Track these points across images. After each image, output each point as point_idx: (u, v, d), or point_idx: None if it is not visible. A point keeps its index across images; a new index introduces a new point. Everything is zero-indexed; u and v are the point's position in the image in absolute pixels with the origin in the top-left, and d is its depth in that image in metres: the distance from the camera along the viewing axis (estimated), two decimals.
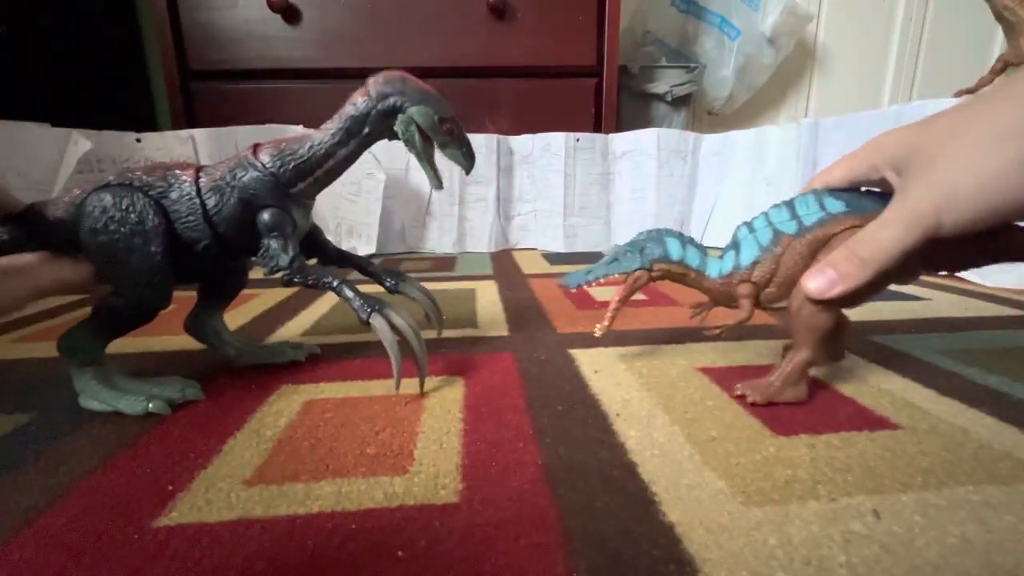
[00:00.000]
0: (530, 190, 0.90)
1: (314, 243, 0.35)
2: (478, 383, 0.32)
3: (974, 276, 0.58)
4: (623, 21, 1.04)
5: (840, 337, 0.31)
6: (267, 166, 0.29)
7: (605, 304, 0.50)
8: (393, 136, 0.30)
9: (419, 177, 0.87)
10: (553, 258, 0.80)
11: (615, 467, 0.23)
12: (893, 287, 0.56)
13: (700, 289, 0.32)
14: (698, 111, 1.27)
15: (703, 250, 0.31)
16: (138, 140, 0.79)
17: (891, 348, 0.37)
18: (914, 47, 1.34)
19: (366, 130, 0.30)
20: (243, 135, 0.83)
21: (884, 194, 0.27)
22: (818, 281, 0.26)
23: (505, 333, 0.42)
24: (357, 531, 0.19)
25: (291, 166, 0.30)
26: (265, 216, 0.29)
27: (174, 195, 0.28)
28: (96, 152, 0.73)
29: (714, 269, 0.31)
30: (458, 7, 0.93)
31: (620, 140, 0.89)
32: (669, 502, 0.20)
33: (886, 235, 0.24)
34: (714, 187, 0.88)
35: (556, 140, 0.87)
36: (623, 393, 0.30)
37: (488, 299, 0.54)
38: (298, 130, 0.82)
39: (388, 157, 0.86)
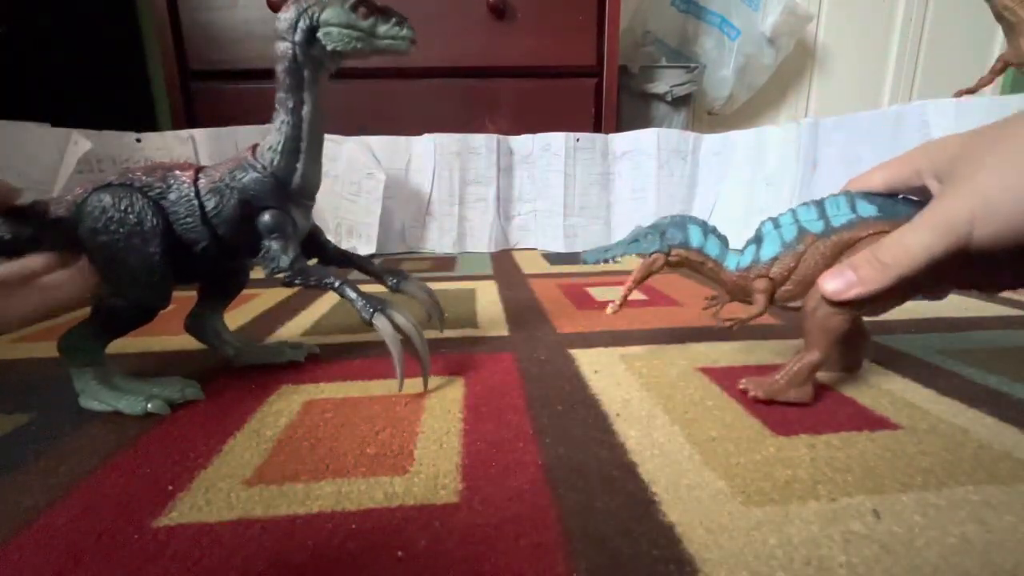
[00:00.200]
0: (530, 190, 0.90)
1: (315, 243, 0.34)
2: (478, 383, 0.32)
3: None
4: (623, 21, 1.04)
5: (858, 347, 0.31)
6: (265, 166, 0.29)
7: (605, 304, 0.50)
8: (333, 55, 0.29)
9: (419, 177, 0.87)
10: (553, 258, 0.80)
11: (615, 467, 0.23)
12: None
13: (716, 280, 0.31)
14: (698, 111, 1.27)
15: (725, 241, 0.31)
16: (138, 140, 0.79)
17: (891, 348, 0.37)
18: (914, 47, 1.34)
19: (306, 72, 0.29)
20: (243, 135, 0.83)
21: (921, 202, 0.27)
22: (836, 282, 0.25)
23: (505, 333, 0.42)
24: (357, 531, 0.19)
25: (279, 155, 0.29)
26: (265, 217, 0.29)
27: (173, 196, 0.28)
28: (96, 152, 0.73)
29: (733, 261, 0.30)
30: (458, 7, 0.93)
31: (620, 140, 0.89)
32: (669, 502, 0.20)
33: (913, 240, 0.24)
34: (714, 187, 0.88)
35: (556, 140, 0.87)
36: (623, 393, 0.30)
37: (488, 299, 0.54)
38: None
39: (388, 157, 0.86)
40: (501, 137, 0.88)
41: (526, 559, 0.17)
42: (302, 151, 0.30)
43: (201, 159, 0.81)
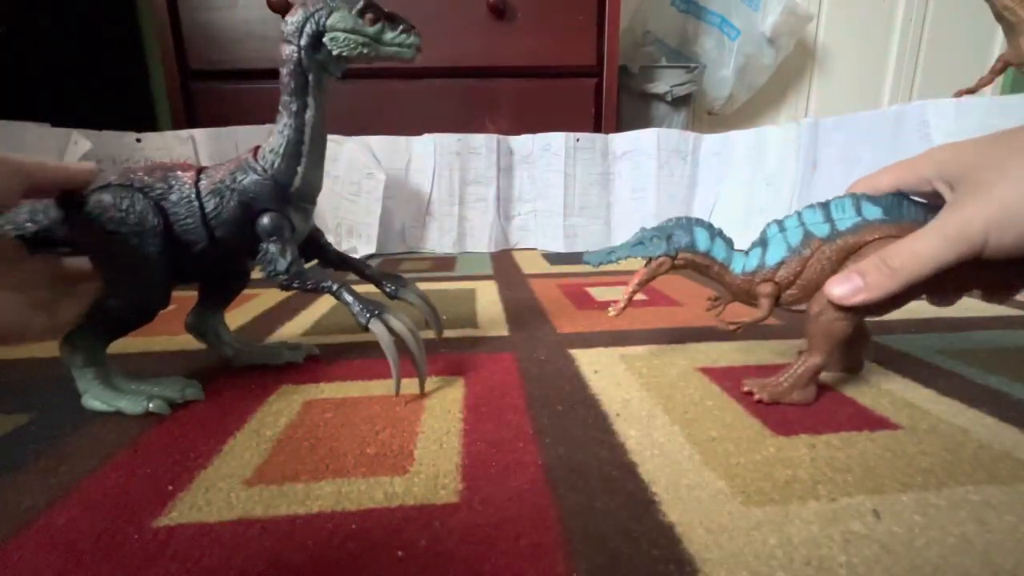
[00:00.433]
0: (530, 190, 0.90)
1: (315, 246, 0.34)
2: (478, 383, 0.32)
3: None
4: (623, 21, 1.04)
5: (860, 348, 0.31)
6: (266, 168, 0.29)
7: (606, 304, 0.50)
8: (338, 60, 0.29)
9: (419, 177, 0.87)
10: (553, 258, 0.80)
11: (615, 467, 0.23)
12: None
13: (721, 283, 0.31)
14: (698, 111, 1.27)
15: (730, 243, 0.31)
16: (138, 140, 0.79)
17: (891, 348, 0.37)
18: (914, 47, 1.34)
19: (310, 76, 0.29)
20: (243, 135, 0.83)
21: (928, 205, 0.27)
22: (843, 287, 0.25)
23: (505, 333, 0.42)
24: (357, 531, 0.19)
25: (280, 157, 0.29)
26: (264, 220, 0.29)
27: (173, 197, 0.28)
28: (96, 152, 0.73)
29: (739, 265, 0.30)
30: (458, 7, 0.93)
31: (620, 140, 0.89)
32: (669, 502, 0.20)
33: (923, 247, 0.24)
34: (714, 187, 0.88)
35: (556, 140, 0.87)
36: (623, 393, 0.30)
37: (488, 299, 0.54)
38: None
39: (388, 157, 0.86)
40: (501, 137, 0.88)
41: (526, 559, 0.17)
42: (304, 155, 0.30)
43: (201, 159, 0.81)
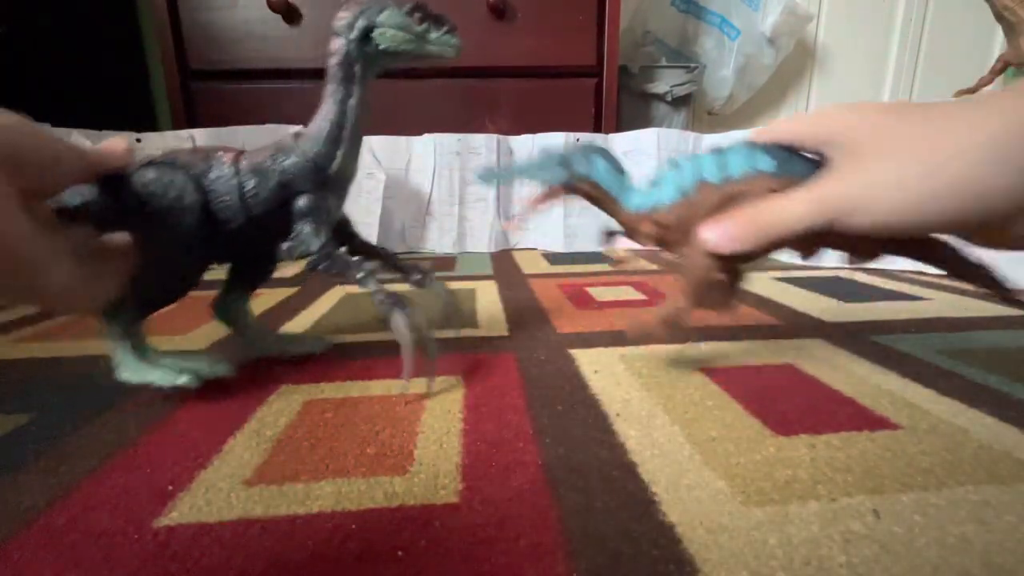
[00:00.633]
0: (530, 190, 0.90)
1: (343, 233, 0.35)
2: (478, 383, 0.32)
3: None
4: (623, 21, 1.04)
5: (733, 289, 0.30)
6: (306, 151, 0.30)
7: (606, 304, 0.50)
8: (384, 55, 0.30)
9: (419, 177, 0.87)
10: (553, 258, 0.80)
11: (615, 467, 0.23)
12: (891, 287, 0.56)
13: (614, 218, 0.31)
14: (698, 111, 1.27)
15: (627, 178, 0.31)
16: (138, 140, 0.79)
17: (891, 348, 0.37)
18: (914, 47, 1.34)
19: (357, 68, 0.30)
20: (243, 135, 0.83)
21: (819, 163, 0.26)
22: (714, 233, 0.26)
23: (505, 333, 0.42)
24: (357, 531, 0.19)
25: (321, 142, 0.30)
26: (300, 201, 0.30)
27: (213, 175, 0.29)
28: None
29: (632, 201, 0.30)
30: (458, 7, 0.93)
31: (620, 140, 0.89)
32: (669, 502, 0.20)
33: (790, 212, 0.24)
34: None
35: (556, 140, 0.87)
36: (623, 393, 0.30)
37: (488, 299, 0.54)
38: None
39: (388, 157, 0.86)
40: (501, 137, 0.88)
41: (526, 559, 0.17)
42: (344, 140, 0.31)
43: None
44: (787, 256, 0.29)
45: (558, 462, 0.23)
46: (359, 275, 0.30)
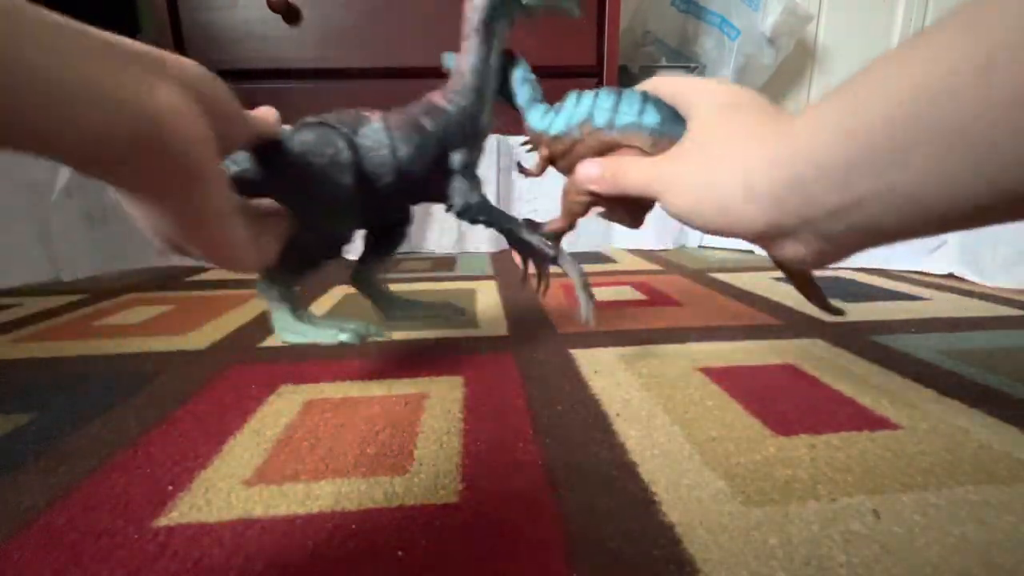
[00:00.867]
0: (530, 190, 0.90)
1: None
2: (478, 383, 0.32)
3: (974, 276, 0.58)
4: (623, 21, 1.03)
5: (643, 208, 0.31)
6: (458, 104, 0.31)
7: (606, 304, 0.50)
8: (521, 8, 0.32)
9: None
10: None
11: (615, 467, 0.23)
12: (891, 287, 0.56)
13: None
14: None
15: (537, 92, 0.33)
16: None
17: (891, 348, 0.37)
18: None
19: (495, 27, 0.31)
20: None
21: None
22: (588, 171, 0.28)
23: (505, 333, 0.42)
24: (357, 531, 0.19)
25: (469, 96, 0.31)
26: (456, 156, 0.31)
27: (364, 131, 0.30)
28: None
29: (533, 118, 0.32)
30: (458, 7, 0.93)
31: None
32: (669, 502, 0.20)
33: (633, 178, 0.26)
34: None
35: None
36: (623, 393, 0.30)
37: (488, 299, 0.54)
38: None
39: None
40: (501, 137, 0.88)
41: (526, 559, 0.17)
42: (487, 92, 0.32)
43: None
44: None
45: (558, 462, 0.23)
46: (512, 226, 0.32)
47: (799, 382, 0.31)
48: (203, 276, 0.69)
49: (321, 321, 0.30)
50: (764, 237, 0.21)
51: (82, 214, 0.71)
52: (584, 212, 0.31)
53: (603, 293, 0.55)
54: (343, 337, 0.29)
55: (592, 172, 0.28)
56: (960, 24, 0.14)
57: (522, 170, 0.35)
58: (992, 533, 0.18)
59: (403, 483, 0.22)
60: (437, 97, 0.32)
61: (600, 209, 0.31)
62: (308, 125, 0.29)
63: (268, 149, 0.27)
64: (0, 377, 0.35)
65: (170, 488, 0.22)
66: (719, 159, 0.22)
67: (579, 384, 0.32)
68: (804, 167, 0.18)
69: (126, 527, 0.19)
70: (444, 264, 0.76)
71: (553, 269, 0.35)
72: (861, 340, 0.38)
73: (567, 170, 0.31)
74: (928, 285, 0.57)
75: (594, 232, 0.89)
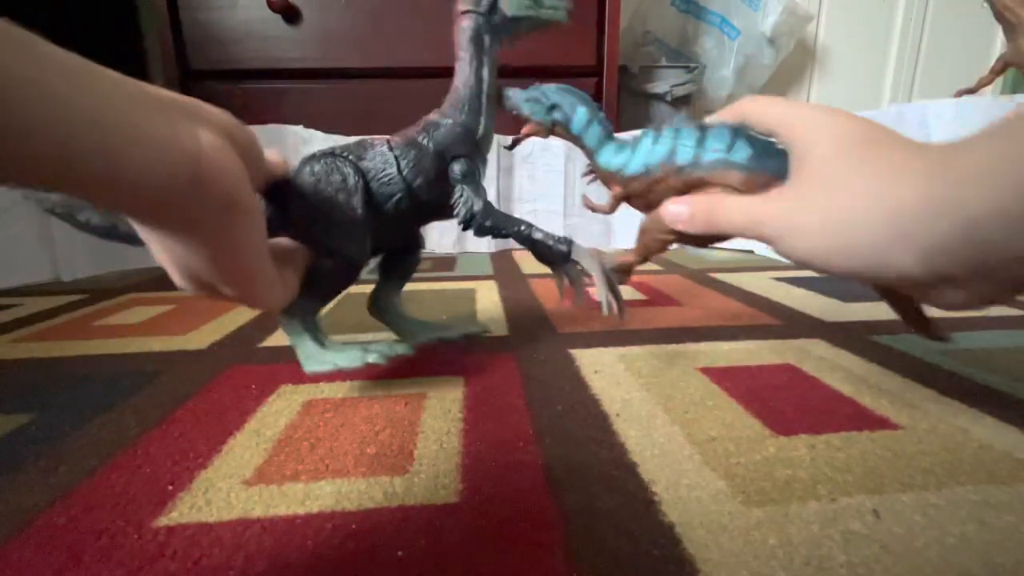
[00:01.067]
0: (530, 190, 0.90)
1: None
2: (478, 383, 0.32)
3: None
4: (623, 21, 1.03)
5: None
6: (454, 117, 0.32)
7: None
8: (509, 22, 0.32)
9: None
10: None
11: (615, 467, 0.23)
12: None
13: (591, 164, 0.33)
14: (698, 111, 1.27)
15: (607, 131, 0.32)
16: None
17: (891, 348, 0.37)
18: (914, 47, 1.34)
19: (487, 39, 0.32)
20: None
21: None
22: (677, 211, 0.27)
23: (505, 333, 0.42)
24: (357, 531, 0.19)
25: (465, 109, 0.32)
26: (457, 166, 0.32)
27: (370, 154, 0.31)
28: None
29: (604, 158, 0.32)
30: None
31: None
32: (669, 502, 0.20)
33: (734, 219, 0.25)
34: None
35: (556, 140, 0.87)
36: (623, 393, 0.30)
37: (488, 299, 0.54)
38: (298, 130, 0.82)
39: None
40: (501, 137, 0.88)
41: (526, 559, 0.17)
42: (483, 104, 0.33)
43: None
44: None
45: (558, 462, 0.23)
46: (521, 228, 0.32)
47: (799, 382, 0.31)
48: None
49: (345, 346, 0.30)
50: (921, 285, 0.19)
51: None
52: (663, 250, 0.30)
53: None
54: (370, 359, 0.29)
55: (682, 212, 0.27)
56: None
57: (589, 205, 0.34)
58: (992, 533, 0.18)
59: (403, 483, 0.22)
60: (433, 115, 0.33)
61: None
62: (314, 158, 0.30)
63: (278, 188, 0.28)
64: (0, 377, 0.35)
65: (170, 488, 0.22)
66: (859, 198, 0.20)
67: (579, 384, 0.32)
68: (979, 211, 0.17)
69: (126, 527, 0.19)
70: (444, 264, 0.76)
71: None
72: (861, 340, 0.38)
73: (644, 208, 0.30)
74: None
75: (594, 232, 0.89)
